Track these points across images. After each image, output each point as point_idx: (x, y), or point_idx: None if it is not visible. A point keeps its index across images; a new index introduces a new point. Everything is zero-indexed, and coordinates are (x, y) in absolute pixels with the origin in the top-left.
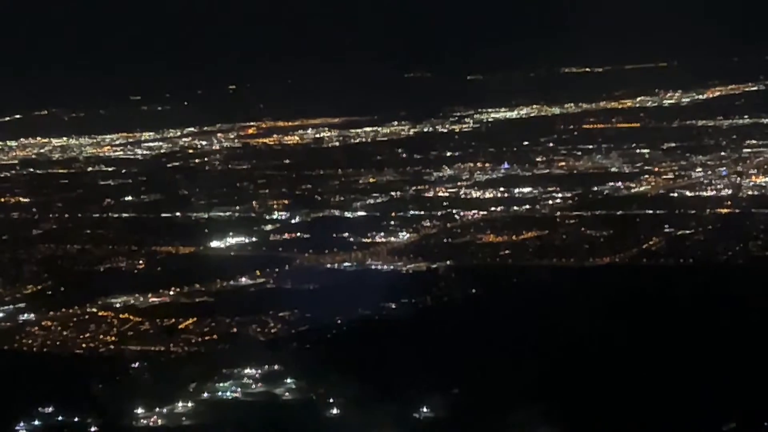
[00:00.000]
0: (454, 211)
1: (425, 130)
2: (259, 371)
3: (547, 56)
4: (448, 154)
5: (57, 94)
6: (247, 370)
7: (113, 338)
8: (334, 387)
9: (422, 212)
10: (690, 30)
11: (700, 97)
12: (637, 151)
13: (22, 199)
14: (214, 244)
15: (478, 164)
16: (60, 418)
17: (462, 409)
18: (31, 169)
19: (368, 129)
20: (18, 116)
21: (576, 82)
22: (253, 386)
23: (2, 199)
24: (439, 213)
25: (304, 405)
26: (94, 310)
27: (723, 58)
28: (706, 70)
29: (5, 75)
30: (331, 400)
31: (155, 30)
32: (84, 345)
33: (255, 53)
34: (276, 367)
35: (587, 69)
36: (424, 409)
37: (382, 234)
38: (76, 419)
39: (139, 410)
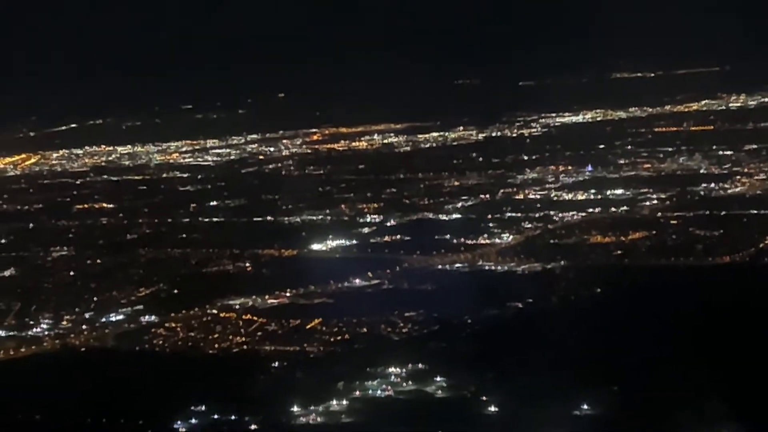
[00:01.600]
0: (551, 212)
1: (493, 134)
2: (405, 370)
3: (596, 62)
4: (525, 157)
5: (107, 103)
6: (392, 369)
7: (243, 339)
8: (486, 385)
9: (518, 214)
10: (736, 34)
11: (767, 99)
12: (719, 153)
13: (105, 205)
14: (315, 246)
15: (560, 167)
16: (215, 416)
17: (623, 407)
18: (105, 176)
19: (435, 134)
20: (73, 125)
21: (630, 86)
22: (404, 384)
23: (86, 206)
24: (536, 215)
25: (459, 403)
26: (215, 311)
27: None
28: (761, 73)
29: (55, 85)
30: (484, 398)
31: (199, 38)
32: (216, 345)
33: (300, 61)
34: (420, 365)
35: (639, 74)
36: (585, 407)
37: (485, 236)
38: (232, 417)
39: (295, 408)
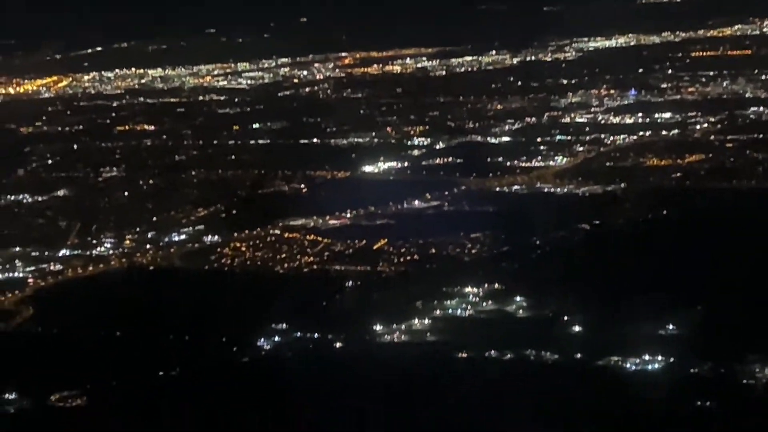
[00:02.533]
0: (601, 136)
1: (528, 59)
2: (481, 290)
3: None
4: (564, 81)
5: (129, 27)
6: (468, 289)
7: (311, 259)
8: (568, 305)
9: (568, 137)
10: None
11: None
12: (762, 77)
13: (146, 126)
14: (367, 168)
15: (603, 91)
16: (298, 334)
17: (709, 328)
18: (141, 99)
19: (468, 58)
20: (99, 48)
21: (659, 11)
22: (483, 304)
23: (126, 127)
24: (586, 138)
25: (542, 322)
26: (278, 232)
27: None
28: None
29: (76, 8)
30: (567, 318)
31: None
32: (285, 265)
33: None
34: (497, 285)
35: None
36: (670, 327)
37: (539, 158)
38: (316, 335)
39: (377, 327)
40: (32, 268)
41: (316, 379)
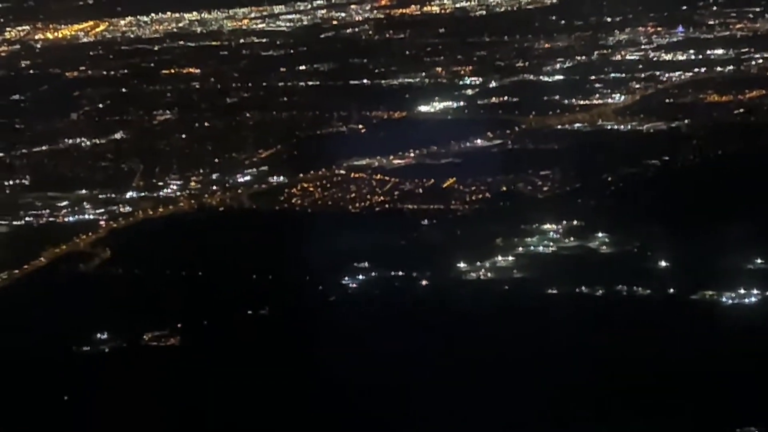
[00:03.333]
0: (656, 73)
1: None
2: (560, 227)
3: None
4: (609, 19)
5: None
6: (547, 226)
7: (382, 198)
8: (652, 240)
9: (622, 75)
10: None
11: None
12: None
13: (192, 69)
14: (423, 108)
15: (650, 28)
16: (381, 272)
17: None
18: (181, 42)
19: None
20: None
21: None
22: (566, 240)
23: (172, 70)
24: (641, 75)
25: (627, 258)
26: (343, 171)
27: None
28: None
29: None
30: (651, 253)
31: None
32: (357, 204)
33: None
34: (575, 222)
35: None
36: (758, 261)
37: (597, 96)
38: (400, 273)
39: (461, 264)
40: (102, 210)
41: (406, 317)
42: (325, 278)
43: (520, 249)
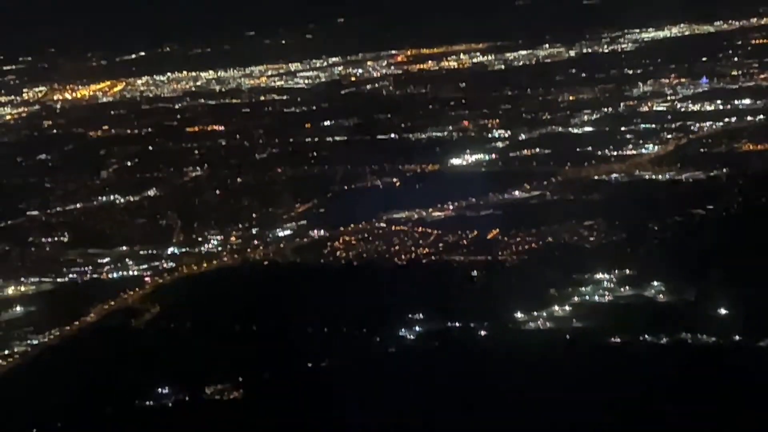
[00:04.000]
0: (687, 123)
1: (584, 51)
2: (613, 276)
3: None
4: (630, 72)
5: (165, 32)
6: (599, 275)
7: (427, 250)
8: (709, 290)
9: (653, 125)
10: None
11: None
12: None
13: (216, 127)
14: (455, 161)
15: (673, 80)
16: (437, 323)
17: None
18: (202, 100)
19: (523, 52)
20: (142, 53)
21: (699, 2)
22: (621, 290)
23: (196, 128)
24: (672, 125)
25: (686, 306)
26: (383, 224)
27: None
28: None
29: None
30: (709, 301)
31: None
32: (403, 256)
33: None
34: (627, 271)
35: None
36: None
37: (630, 146)
38: (457, 324)
39: (518, 314)
40: (145, 265)
41: (470, 367)
42: (382, 330)
43: (576, 299)
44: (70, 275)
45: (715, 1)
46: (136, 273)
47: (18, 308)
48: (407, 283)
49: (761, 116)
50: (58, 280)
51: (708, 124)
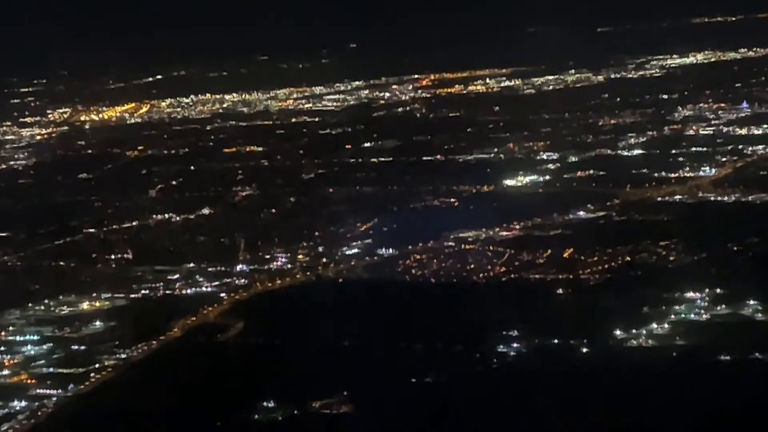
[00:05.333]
0: (739, 146)
1: (612, 76)
2: (703, 295)
3: (667, 8)
4: (665, 96)
5: (177, 56)
6: (690, 294)
7: (504, 269)
8: None
9: (704, 149)
10: None
11: None
12: None
13: (254, 148)
14: (509, 182)
15: (712, 104)
16: (534, 340)
17: None
18: (233, 122)
19: (551, 77)
20: (159, 77)
21: (718, 30)
22: (717, 308)
23: (234, 149)
24: (724, 149)
25: None
26: (452, 243)
27: None
28: None
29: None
30: None
31: None
32: (481, 275)
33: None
34: (718, 290)
35: (719, 18)
36: None
37: (686, 168)
38: (555, 341)
39: (617, 332)
40: (217, 282)
41: (577, 384)
42: (479, 347)
43: (673, 317)
44: (143, 291)
45: (737, 30)
46: (209, 290)
47: (98, 323)
48: (494, 300)
49: None
50: (132, 296)
51: (760, 147)
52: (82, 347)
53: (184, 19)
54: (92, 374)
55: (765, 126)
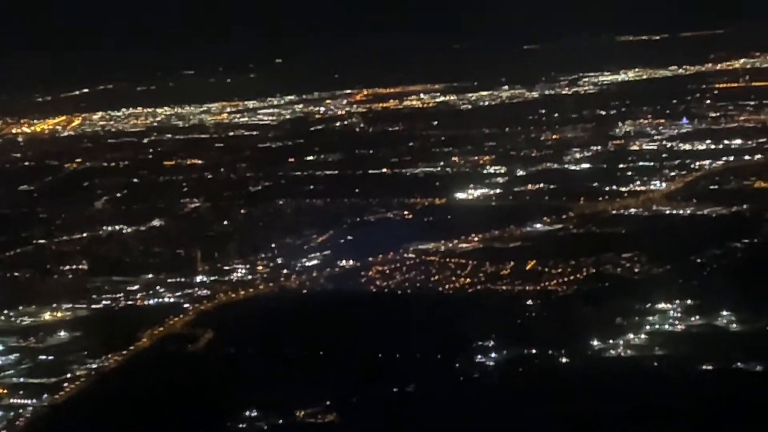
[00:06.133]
0: (686, 161)
1: (546, 92)
2: (675, 306)
3: (591, 26)
4: (603, 113)
5: (108, 69)
6: (662, 305)
7: (469, 280)
8: None
9: (651, 163)
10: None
11: None
12: None
13: (195, 161)
14: (461, 195)
15: (651, 120)
16: (513, 351)
17: None
18: (169, 135)
19: (484, 93)
20: (86, 90)
21: (645, 48)
22: (691, 319)
23: (175, 162)
24: (671, 163)
25: (758, 337)
26: (413, 255)
27: None
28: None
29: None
30: None
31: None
32: (447, 286)
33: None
34: (689, 302)
35: (644, 37)
36: None
37: (637, 182)
38: (534, 351)
39: (595, 342)
40: (179, 293)
41: (562, 392)
42: (457, 357)
43: (648, 327)
44: (104, 302)
45: (663, 48)
46: (172, 300)
47: (62, 333)
48: (466, 311)
49: (759, 155)
50: (93, 306)
51: (707, 162)
52: (50, 357)
53: (105, 34)
54: (65, 384)
55: (708, 141)
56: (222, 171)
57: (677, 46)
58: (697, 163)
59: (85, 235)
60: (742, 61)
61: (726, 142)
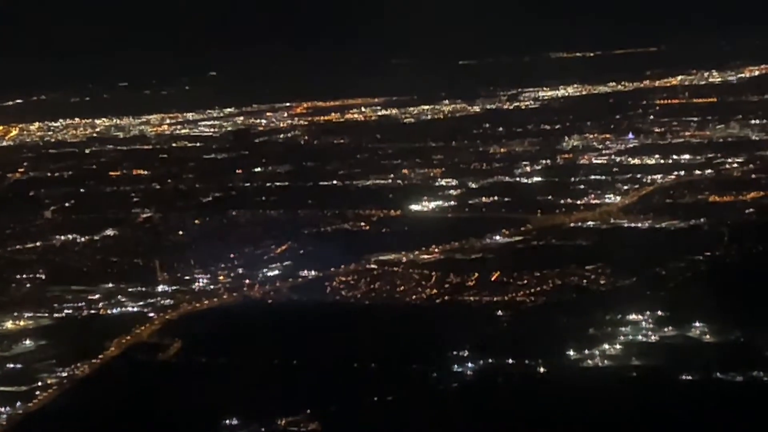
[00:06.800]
0: (637, 175)
1: (488, 107)
2: (646, 317)
3: (526, 43)
4: (548, 127)
5: (40, 80)
6: (633, 316)
7: (435, 291)
8: (751, 329)
9: (602, 177)
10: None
11: (744, 75)
12: (753, 121)
13: (141, 172)
14: (415, 207)
15: (598, 135)
16: (489, 361)
17: None
18: (110, 146)
19: (426, 107)
20: (19, 100)
21: (580, 65)
22: (664, 330)
23: (120, 172)
24: (623, 177)
25: (734, 347)
26: (374, 266)
27: (706, 43)
28: (706, 53)
29: None
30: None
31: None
32: (413, 296)
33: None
34: (660, 312)
35: (578, 54)
36: None
37: (591, 196)
38: (510, 361)
39: (571, 352)
40: (141, 302)
41: (544, 403)
42: (432, 367)
43: (622, 338)
44: (66, 311)
45: (598, 65)
46: (135, 309)
47: (28, 342)
48: (437, 321)
49: (709, 170)
50: (55, 315)
51: (658, 176)
52: (18, 366)
53: (33, 45)
54: (37, 392)
55: (657, 156)
56: (170, 182)
57: (612, 62)
58: (649, 177)
59: (38, 244)
60: (679, 77)
61: (675, 157)
